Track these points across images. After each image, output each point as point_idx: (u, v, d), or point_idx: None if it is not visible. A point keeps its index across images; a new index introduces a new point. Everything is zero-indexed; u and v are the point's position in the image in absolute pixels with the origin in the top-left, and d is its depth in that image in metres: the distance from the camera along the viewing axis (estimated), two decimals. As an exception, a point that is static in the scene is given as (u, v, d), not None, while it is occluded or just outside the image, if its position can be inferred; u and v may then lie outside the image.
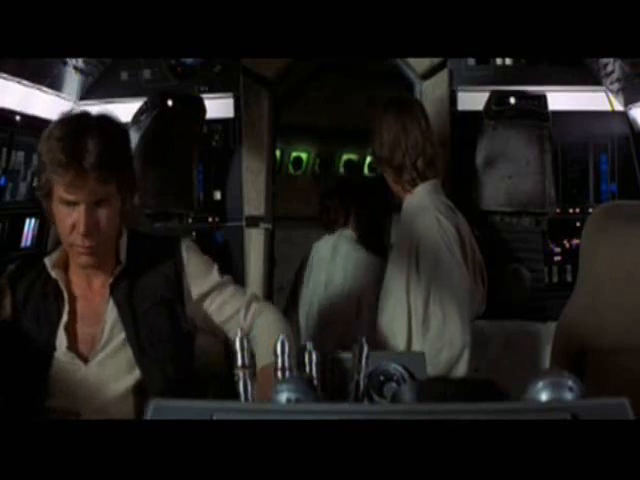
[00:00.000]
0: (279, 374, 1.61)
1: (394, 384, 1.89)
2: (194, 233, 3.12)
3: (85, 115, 1.77)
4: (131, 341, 1.76)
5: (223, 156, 3.21)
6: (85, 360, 1.76)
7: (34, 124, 2.68)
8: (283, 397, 1.07)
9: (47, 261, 1.82)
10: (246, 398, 1.60)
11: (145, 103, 2.94)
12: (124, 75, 3.16)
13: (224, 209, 3.21)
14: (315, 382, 1.57)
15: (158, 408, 0.98)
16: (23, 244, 2.81)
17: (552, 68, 3.11)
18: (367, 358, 1.81)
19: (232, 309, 1.87)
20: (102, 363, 1.76)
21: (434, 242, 2.40)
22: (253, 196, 3.23)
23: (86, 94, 3.08)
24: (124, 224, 1.85)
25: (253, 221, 3.22)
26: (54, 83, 2.76)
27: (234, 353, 1.63)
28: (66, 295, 1.78)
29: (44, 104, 2.74)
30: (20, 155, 2.66)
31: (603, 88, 3.08)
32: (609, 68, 2.93)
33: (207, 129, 3.15)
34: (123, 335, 1.77)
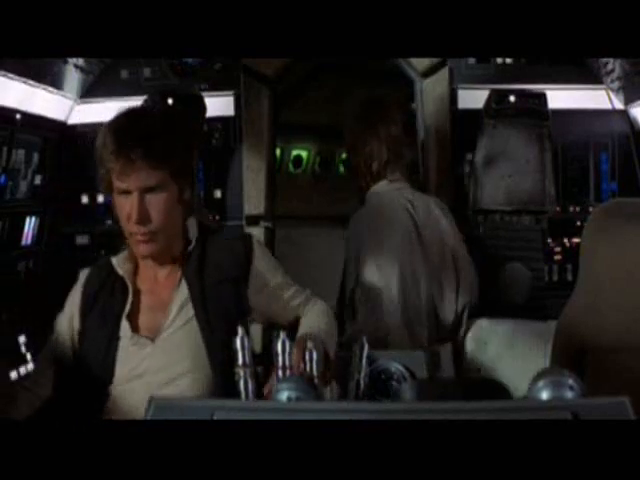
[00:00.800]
0: (279, 373, 1.61)
1: (394, 383, 1.90)
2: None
3: (141, 108, 1.87)
4: (199, 317, 1.81)
5: (223, 154, 3.21)
6: (152, 340, 1.80)
7: (34, 122, 2.69)
8: (284, 396, 1.08)
9: (114, 260, 1.88)
10: (247, 397, 1.60)
11: (145, 101, 2.94)
12: (124, 73, 3.16)
13: (224, 207, 3.20)
14: (315, 381, 1.58)
15: (159, 407, 0.98)
16: (23, 242, 2.81)
17: (552, 67, 3.11)
18: (367, 357, 1.81)
19: (295, 304, 1.96)
20: (169, 340, 1.80)
21: (358, 237, 2.54)
22: (253, 195, 3.23)
23: (86, 92, 3.08)
24: (189, 215, 1.90)
25: (253, 220, 3.22)
26: (54, 81, 2.76)
27: (234, 352, 1.64)
28: (131, 288, 1.84)
29: (44, 102, 2.74)
30: (20, 153, 2.66)
31: (603, 86, 3.08)
32: (609, 67, 2.94)
33: (207, 127, 3.14)
34: (190, 314, 1.82)
